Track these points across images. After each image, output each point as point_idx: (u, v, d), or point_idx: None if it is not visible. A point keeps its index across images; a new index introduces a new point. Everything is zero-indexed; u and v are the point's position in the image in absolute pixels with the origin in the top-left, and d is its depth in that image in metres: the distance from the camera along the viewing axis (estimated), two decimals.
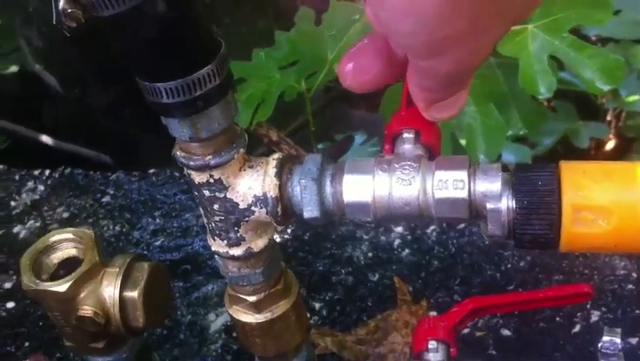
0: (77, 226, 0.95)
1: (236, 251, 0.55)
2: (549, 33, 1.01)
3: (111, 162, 1.88)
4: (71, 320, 0.57)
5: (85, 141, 2.01)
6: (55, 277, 0.58)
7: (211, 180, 0.51)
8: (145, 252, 0.91)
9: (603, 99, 1.64)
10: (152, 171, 1.04)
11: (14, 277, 0.91)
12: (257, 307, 0.59)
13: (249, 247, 0.55)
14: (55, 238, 0.59)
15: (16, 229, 0.98)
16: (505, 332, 0.76)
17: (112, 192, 1.01)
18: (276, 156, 0.52)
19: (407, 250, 0.88)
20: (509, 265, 0.83)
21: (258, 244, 0.55)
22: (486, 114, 1.04)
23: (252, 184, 0.51)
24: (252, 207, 0.52)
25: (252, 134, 1.26)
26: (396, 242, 0.89)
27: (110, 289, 0.57)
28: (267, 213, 0.52)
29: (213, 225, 0.54)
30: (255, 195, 0.51)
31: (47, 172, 1.06)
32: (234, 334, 0.82)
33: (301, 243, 0.91)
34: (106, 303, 0.57)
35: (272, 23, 1.80)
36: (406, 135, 0.52)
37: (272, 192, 0.51)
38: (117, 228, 0.96)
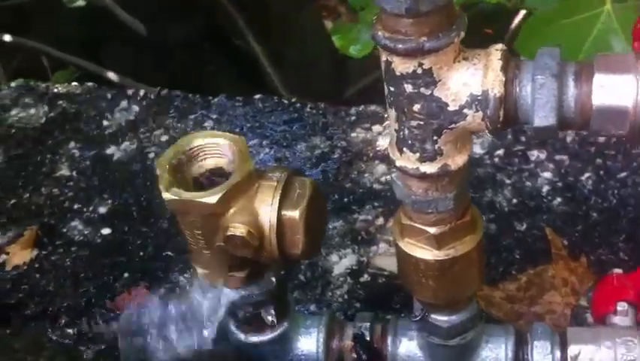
0: None
1: (429, 168, 0.44)
2: None
3: None
4: (215, 241, 0.47)
5: (154, 79, 1.92)
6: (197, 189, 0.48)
7: (419, 71, 0.40)
8: None
9: None
10: (257, 96, 0.94)
11: (109, 201, 0.82)
12: (438, 242, 0.48)
13: (446, 163, 0.44)
14: (198, 142, 0.49)
15: (109, 150, 0.88)
16: None
17: (215, 117, 0.91)
18: (498, 46, 0.41)
19: (558, 199, 0.76)
20: None
21: (457, 160, 0.44)
22: None
23: (468, 80, 0.40)
24: (465, 110, 0.41)
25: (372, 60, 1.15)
26: (545, 189, 0.78)
27: (266, 206, 0.47)
28: (482, 119, 0.41)
29: (406, 132, 0.43)
30: (471, 94, 0.41)
31: (142, 92, 0.97)
32: (362, 279, 0.72)
33: None
34: (261, 222, 0.47)
35: None
36: None
37: (496, 89, 0.40)
38: None
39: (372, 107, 0.89)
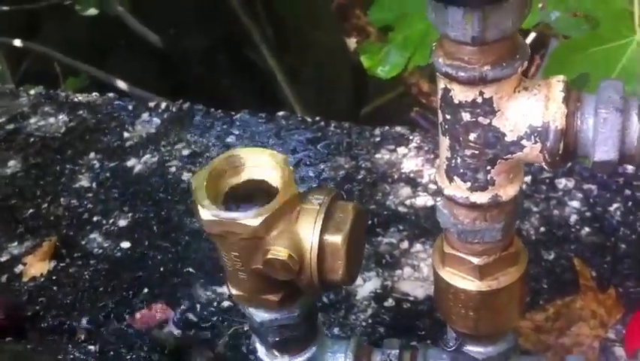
0: (200, 165, 0.84)
1: (480, 197, 0.43)
2: None
3: None
4: (252, 263, 0.46)
5: (166, 89, 1.91)
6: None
7: (478, 100, 0.39)
8: None
9: None
10: (280, 113, 0.93)
11: (129, 214, 0.81)
12: (481, 272, 0.47)
13: (497, 193, 0.43)
14: (238, 158, 0.47)
15: (130, 163, 0.87)
16: None
17: (237, 133, 0.90)
18: (560, 77, 0.40)
19: (586, 229, 0.75)
20: None
21: (508, 191, 0.43)
22: None
23: (528, 111, 0.40)
24: (523, 141, 0.40)
25: (398, 82, 1.14)
26: (573, 218, 0.77)
27: (307, 230, 0.45)
28: (540, 151, 0.40)
29: (459, 160, 0.42)
30: (530, 125, 0.40)
31: (164, 105, 0.96)
32: (386, 304, 0.71)
33: None
34: (302, 246, 0.45)
35: None
36: None
37: (557, 122, 0.39)
38: None
39: (398, 129, 0.88)
